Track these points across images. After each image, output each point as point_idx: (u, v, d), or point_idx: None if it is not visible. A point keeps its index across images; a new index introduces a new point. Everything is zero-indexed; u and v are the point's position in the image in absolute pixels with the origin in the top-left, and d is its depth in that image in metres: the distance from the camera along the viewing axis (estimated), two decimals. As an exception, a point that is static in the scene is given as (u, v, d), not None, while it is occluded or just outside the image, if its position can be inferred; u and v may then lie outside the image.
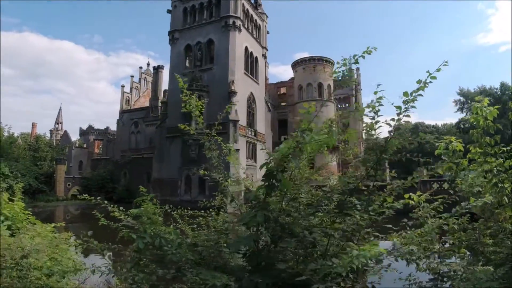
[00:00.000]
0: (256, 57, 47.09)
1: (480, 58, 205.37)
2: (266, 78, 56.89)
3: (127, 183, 50.20)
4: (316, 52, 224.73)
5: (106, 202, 4.61)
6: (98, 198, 4.85)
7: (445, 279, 4.03)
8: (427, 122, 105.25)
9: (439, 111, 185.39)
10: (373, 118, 3.55)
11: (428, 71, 3.26)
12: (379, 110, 3.51)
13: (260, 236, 3.22)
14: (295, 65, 58.75)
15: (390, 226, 4.07)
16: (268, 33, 52.50)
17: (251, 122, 44.10)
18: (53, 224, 7.08)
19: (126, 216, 4.48)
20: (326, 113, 55.07)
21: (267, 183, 3.05)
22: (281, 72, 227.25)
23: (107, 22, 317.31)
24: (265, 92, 51.80)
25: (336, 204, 3.67)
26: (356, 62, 3.62)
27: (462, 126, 73.56)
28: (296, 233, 3.28)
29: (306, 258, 3.46)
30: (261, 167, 3.16)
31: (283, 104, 61.62)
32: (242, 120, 39.69)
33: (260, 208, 3.05)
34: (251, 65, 45.54)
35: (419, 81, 3.38)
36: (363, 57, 3.58)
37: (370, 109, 3.53)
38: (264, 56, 50.80)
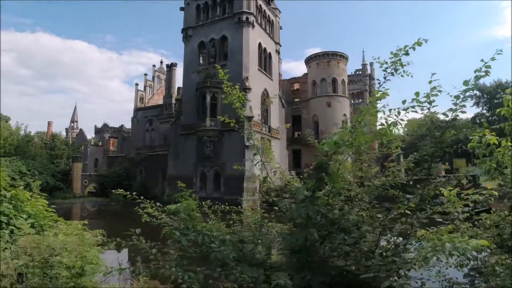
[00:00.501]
0: (270, 53, 46.89)
1: (494, 51, 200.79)
2: (280, 74, 56.61)
3: (142, 180, 50.58)
4: (328, 47, 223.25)
5: (142, 198, 4.57)
6: (134, 193, 4.81)
7: (477, 275, 3.93)
8: (441, 117, 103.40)
9: (447, 105, 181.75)
10: (428, 108, 3.43)
11: (482, 60, 3.14)
12: (433, 101, 3.40)
13: (310, 231, 3.15)
14: (308, 60, 58.32)
15: (440, 220, 3.94)
16: (281, 29, 52.19)
17: (265, 119, 44.00)
18: (81, 221, 7.14)
19: (160, 213, 4.45)
20: (340, 109, 54.83)
21: (317, 177, 2.98)
22: (293, 68, 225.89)
23: (119, 21, 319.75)
24: (278, 88, 51.57)
25: (382, 197, 3.58)
26: (407, 54, 3.51)
27: (477, 121, 72.25)
28: (347, 229, 3.21)
29: (356, 254, 3.38)
30: (314, 165, 3.09)
31: (296, 100, 61.32)
32: (256, 116, 39.57)
33: (310, 203, 2.98)
34: (265, 61, 45.38)
35: (466, 82, 3.25)
36: (414, 48, 3.48)
37: (425, 98, 3.40)
38: (278, 52, 50.55)
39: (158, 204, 4.64)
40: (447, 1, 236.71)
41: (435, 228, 3.93)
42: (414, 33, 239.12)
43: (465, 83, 3.22)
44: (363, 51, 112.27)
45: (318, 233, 3.28)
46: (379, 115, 3.61)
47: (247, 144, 36.55)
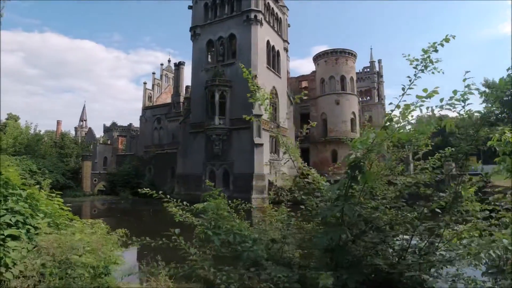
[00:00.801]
0: (278, 51, 46.71)
1: (502, 48, 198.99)
2: (288, 72, 56.42)
3: (151, 178, 50.76)
4: (334, 45, 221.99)
5: (168, 196, 4.52)
6: (160, 192, 4.74)
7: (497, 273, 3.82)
8: (449, 115, 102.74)
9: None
10: (463, 106, 3.33)
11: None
12: (468, 99, 3.29)
13: (344, 230, 3.07)
14: (316, 58, 58.12)
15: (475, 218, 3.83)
16: (289, 26, 51.97)
17: (274, 116, 43.85)
18: (95, 220, 7.11)
19: (184, 212, 4.38)
20: (349, 107, 54.54)
21: (351, 175, 2.90)
22: (298, 66, 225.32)
23: (126, 21, 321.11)
24: (287, 86, 51.40)
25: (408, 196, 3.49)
26: (436, 51, 3.41)
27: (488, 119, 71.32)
28: (382, 228, 3.13)
29: (389, 253, 3.30)
30: (344, 159, 3.01)
31: (305, 98, 60.85)
32: (265, 114, 39.35)
33: (345, 201, 2.91)
34: (273, 59, 45.21)
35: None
36: (442, 45, 3.38)
37: (459, 96, 3.29)
38: (286, 50, 50.32)
39: (185, 203, 4.56)
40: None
41: (462, 226, 3.84)
42: (421, 30, 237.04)
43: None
44: (371, 49, 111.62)
45: (351, 232, 3.21)
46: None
47: (256, 142, 36.52)
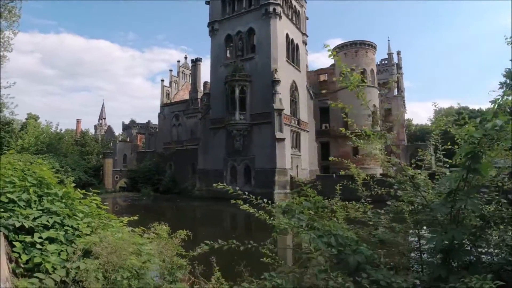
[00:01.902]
0: (297, 44, 46.06)
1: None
2: (306, 66, 55.69)
3: (172, 175, 50.91)
4: (349, 37, 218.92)
5: (241, 191, 4.13)
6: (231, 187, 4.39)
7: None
8: (468, 107, 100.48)
9: (476, 95, 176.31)
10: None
11: None
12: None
13: (466, 227, 2.63)
14: (335, 50, 57.09)
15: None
16: (307, 19, 51.20)
17: (294, 111, 43.34)
18: (126, 218, 6.79)
19: (256, 210, 3.97)
20: (369, 99, 53.32)
21: (468, 167, 2.46)
22: (314, 60, 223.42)
23: (140, 19, 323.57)
24: (306, 80, 50.77)
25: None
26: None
27: (509, 110, 69.24)
28: (502, 225, 2.70)
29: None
30: (460, 151, 2.56)
31: (324, 91, 60.34)
32: (286, 109, 38.89)
33: (466, 196, 2.48)
34: (292, 52, 44.60)
35: None
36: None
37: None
38: (305, 43, 49.62)
39: (265, 200, 4.18)
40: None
41: None
42: (438, 17, 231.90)
43: None
44: (388, 40, 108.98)
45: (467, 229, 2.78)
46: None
47: (278, 137, 36.08)
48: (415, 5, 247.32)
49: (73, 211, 5.77)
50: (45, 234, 4.80)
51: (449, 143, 4.42)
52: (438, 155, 4.32)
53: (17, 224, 4.68)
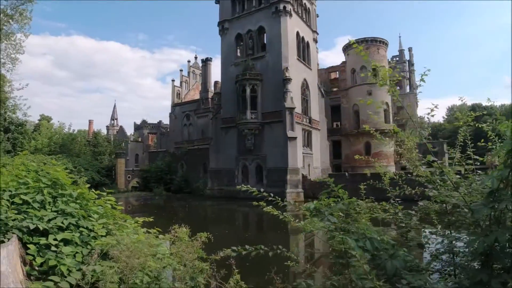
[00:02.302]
0: (308, 42, 45.72)
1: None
2: (317, 64, 55.29)
3: (184, 174, 51.02)
4: (358, 35, 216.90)
5: (274, 196, 3.96)
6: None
7: None
8: (482, 103, 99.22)
9: (485, 91, 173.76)
10: None
11: None
12: None
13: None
14: (346, 48, 56.71)
15: None
16: (317, 16, 50.80)
17: (305, 109, 43.03)
18: (142, 219, 6.66)
19: (279, 212, 3.80)
20: (381, 97, 52.90)
21: (509, 165, 2.27)
22: (323, 58, 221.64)
23: (150, 20, 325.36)
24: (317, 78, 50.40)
25: None
26: None
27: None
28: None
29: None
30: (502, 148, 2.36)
31: (334, 89, 59.93)
32: (297, 107, 38.61)
33: (508, 195, 2.30)
34: (303, 50, 44.27)
35: None
36: None
37: None
38: (315, 41, 49.22)
39: (292, 202, 4.03)
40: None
41: None
42: (451, 11, 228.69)
43: None
44: (399, 37, 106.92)
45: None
46: None
47: (289, 135, 35.85)
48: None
49: (87, 212, 5.68)
50: (60, 236, 4.70)
51: (471, 141, 4.17)
52: (468, 152, 4.10)
53: (32, 226, 4.59)
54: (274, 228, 24.23)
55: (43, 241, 4.58)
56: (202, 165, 48.72)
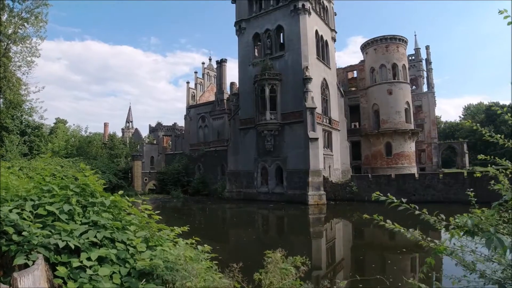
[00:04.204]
0: (326, 41, 44.66)
1: None
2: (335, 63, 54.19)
3: (201, 176, 50.42)
4: (371, 34, 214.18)
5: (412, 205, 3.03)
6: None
7: None
8: (499, 102, 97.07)
9: (501, 90, 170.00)
10: None
11: None
12: None
13: None
14: (364, 46, 55.46)
15: None
16: (335, 15, 49.68)
17: (325, 109, 41.97)
18: (178, 229, 5.77)
19: (406, 229, 2.89)
20: (402, 96, 51.53)
21: None
22: (336, 58, 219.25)
23: (162, 24, 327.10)
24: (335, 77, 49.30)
25: None
26: None
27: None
28: None
29: None
30: None
31: (353, 89, 58.73)
32: (317, 107, 37.57)
33: None
34: (322, 49, 43.22)
35: None
36: None
37: None
38: (333, 39, 48.11)
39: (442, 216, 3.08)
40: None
41: None
42: (469, 5, 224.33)
43: None
44: (415, 35, 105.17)
45: None
46: None
47: (311, 136, 34.85)
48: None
49: (122, 222, 4.84)
50: (94, 254, 3.84)
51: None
52: None
53: (61, 244, 3.75)
54: (296, 231, 23.50)
55: (75, 261, 3.73)
56: (219, 167, 48.01)
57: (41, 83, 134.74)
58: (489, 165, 3.53)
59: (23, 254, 3.68)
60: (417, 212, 2.72)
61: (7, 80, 30.52)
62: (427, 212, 2.81)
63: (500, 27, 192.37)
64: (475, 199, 3.37)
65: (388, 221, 2.84)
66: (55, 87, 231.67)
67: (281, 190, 37.12)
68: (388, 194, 2.91)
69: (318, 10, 43.25)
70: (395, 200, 2.77)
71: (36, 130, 46.91)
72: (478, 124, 3.79)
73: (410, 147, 50.53)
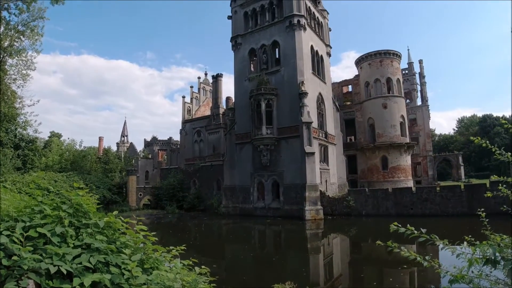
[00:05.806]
0: (322, 56, 45.04)
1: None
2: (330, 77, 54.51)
3: (197, 191, 50.01)
4: (362, 50, 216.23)
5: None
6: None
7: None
8: (492, 114, 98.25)
9: (495, 101, 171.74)
10: None
11: None
12: None
13: None
14: (359, 61, 55.96)
15: None
16: (330, 30, 50.18)
17: (321, 124, 42.01)
18: (175, 250, 5.56)
19: (421, 257, 2.76)
20: (397, 110, 51.80)
21: None
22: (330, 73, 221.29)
23: (158, 39, 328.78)
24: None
25: None
26: None
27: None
28: None
29: None
30: None
31: (348, 103, 58.98)
32: (313, 121, 37.58)
33: None
34: (317, 64, 43.55)
35: None
36: None
37: None
38: (328, 54, 48.54)
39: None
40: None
41: None
42: (461, 18, 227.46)
43: None
44: (408, 49, 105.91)
45: None
46: None
47: (307, 151, 34.77)
48: (430, 7, 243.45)
49: (117, 244, 4.64)
50: (87, 280, 3.64)
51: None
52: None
53: (53, 269, 3.57)
54: (294, 247, 23.32)
55: (67, 287, 3.55)
56: (215, 182, 47.69)
57: (36, 96, 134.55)
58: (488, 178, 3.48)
59: (14, 280, 3.50)
60: (437, 243, 2.58)
61: (1, 93, 30.31)
62: (438, 237, 2.68)
63: (489, 40, 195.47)
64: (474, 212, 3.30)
65: (403, 248, 2.70)
66: (50, 100, 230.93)
67: (277, 205, 36.85)
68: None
69: (313, 25, 43.69)
70: (415, 232, 2.63)
71: (30, 144, 46.36)
72: (478, 137, 3.78)
73: (406, 160, 50.62)
